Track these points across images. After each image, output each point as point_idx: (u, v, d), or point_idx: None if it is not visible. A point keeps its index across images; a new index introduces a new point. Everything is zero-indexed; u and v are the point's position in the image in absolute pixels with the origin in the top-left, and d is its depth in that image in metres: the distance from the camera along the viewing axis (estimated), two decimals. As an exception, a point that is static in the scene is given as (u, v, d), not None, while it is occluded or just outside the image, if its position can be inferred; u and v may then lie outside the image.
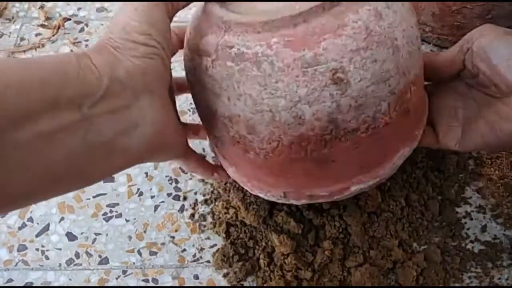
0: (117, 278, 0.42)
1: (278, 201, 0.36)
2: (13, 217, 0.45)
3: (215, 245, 0.44)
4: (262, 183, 0.34)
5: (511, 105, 0.32)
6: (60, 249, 0.44)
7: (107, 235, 0.45)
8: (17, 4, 0.60)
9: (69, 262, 0.43)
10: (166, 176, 0.48)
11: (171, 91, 0.31)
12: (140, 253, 0.44)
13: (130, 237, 0.44)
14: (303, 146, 0.29)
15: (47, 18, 0.59)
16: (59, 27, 0.58)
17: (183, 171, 0.48)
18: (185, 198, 0.47)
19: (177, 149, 0.33)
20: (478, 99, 0.35)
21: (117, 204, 0.46)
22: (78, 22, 0.59)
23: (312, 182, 0.33)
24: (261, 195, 0.36)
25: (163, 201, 0.47)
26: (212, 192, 0.46)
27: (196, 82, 0.31)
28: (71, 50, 0.56)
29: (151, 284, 0.42)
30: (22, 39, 0.58)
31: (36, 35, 0.58)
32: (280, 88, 0.27)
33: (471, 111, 0.36)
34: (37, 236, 0.44)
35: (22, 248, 0.44)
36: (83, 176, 0.27)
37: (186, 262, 0.43)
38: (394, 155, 0.34)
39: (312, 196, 0.34)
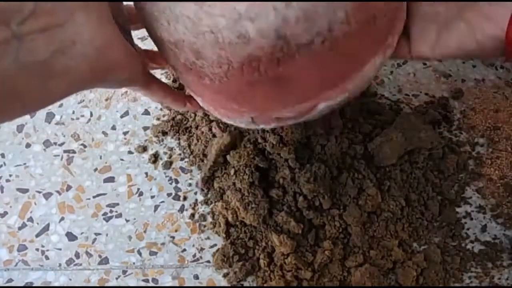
0: (117, 278, 0.42)
1: (249, 128, 0.34)
2: (13, 217, 0.45)
3: (215, 245, 0.44)
4: (228, 110, 0.33)
5: (496, 4, 0.29)
6: (60, 249, 0.44)
7: (107, 235, 0.45)
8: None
9: (69, 262, 0.43)
10: (166, 176, 0.48)
11: (120, 9, 0.29)
12: (140, 253, 0.44)
13: (130, 237, 0.44)
14: (255, 66, 0.27)
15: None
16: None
17: (183, 171, 0.48)
18: (185, 198, 0.47)
19: (127, 71, 0.29)
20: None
21: (117, 204, 0.46)
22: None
23: (276, 103, 0.31)
24: (232, 123, 0.35)
25: (163, 201, 0.47)
26: (212, 192, 0.47)
27: (140, 8, 0.29)
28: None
29: (151, 284, 0.42)
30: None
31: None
32: (217, 5, 0.24)
33: (452, 13, 0.32)
34: (37, 236, 0.44)
35: (22, 248, 0.44)
36: (21, 100, 0.25)
37: (186, 262, 0.43)
38: (363, 67, 0.31)
39: (280, 119, 0.32)
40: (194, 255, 0.44)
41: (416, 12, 0.34)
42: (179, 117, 0.49)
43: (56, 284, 0.42)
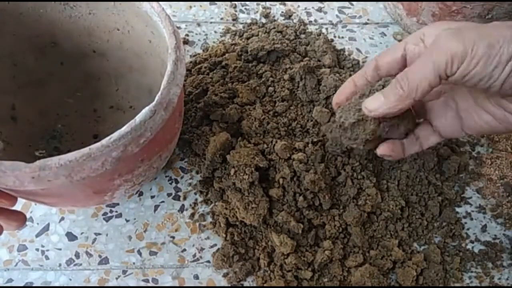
0: (117, 278, 0.42)
1: None
2: (13, 217, 0.45)
3: (215, 245, 0.44)
4: None
5: None
6: (60, 249, 0.44)
7: (107, 235, 0.45)
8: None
9: (69, 262, 0.43)
10: (166, 176, 0.48)
11: None
12: (140, 253, 0.44)
13: (130, 237, 0.44)
14: None
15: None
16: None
17: (183, 171, 0.48)
18: (185, 198, 0.47)
19: None
20: (464, 88, 0.34)
21: (117, 204, 0.46)
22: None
23: None
24: None
25: (163, 201, 0.47)
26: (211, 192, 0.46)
27: None
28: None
29: (151, 284, 0.42)
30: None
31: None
32: None
33: (463, 98, 0.35)
34: (37, 236, 0.44)
35: (22, 248, 0.44)
36: None
37: (186, 262, 0.43)
38: None
39: None
40: (194, 255, 0.44)
41: (433, 107, 0.37)
42: (179, 117, 0.50)
43: (56, 284, 0.42)
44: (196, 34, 0.58)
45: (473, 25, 0.31)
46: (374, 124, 0.34)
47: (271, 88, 0.50)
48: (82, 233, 0.45)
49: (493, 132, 0.35)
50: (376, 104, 0.33)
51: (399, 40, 0.59)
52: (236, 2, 0.62)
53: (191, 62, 0.54)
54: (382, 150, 0.37)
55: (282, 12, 0.61)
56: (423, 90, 0.30)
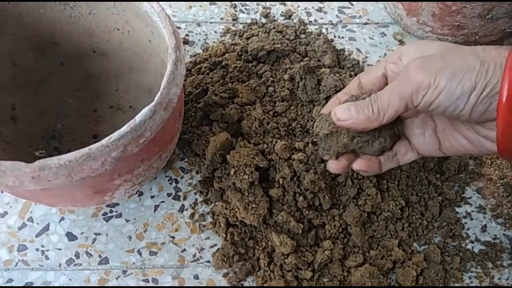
0: (117, 278, 0.42)
1: None
2: (13, 217, 0.45)
3: (215, 245, 0.44)
4: None
5: (487, 127, 0.31)
6: (60, 249, 0.44)
7: (107, 235, 0.45)
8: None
9: (69, 262, 0.43)
10: (166, 176, 0.48)
11: None
12: (140, 253, 0.44)
13: (130, 237, 0.44)
14: None
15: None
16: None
17: (183, 171, 0.48)
18: (185, 198, 0.47)
19: None
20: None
21: (117, 204, 0.46)
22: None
23: None
24: None
25: (163, 201, 0.47)
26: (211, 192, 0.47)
27: None
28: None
29: (151, 284, 0.42)
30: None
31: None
32: None
33: (441, 119, 0.35)
34: (37, 236, 0.44)
35: (22, 248, 0.44)
36: None
37: (186, 262, 0.43)
38: None
39: None
40: (194, 255, 0.44)
41: (412, 125, 0.37)
42: (179, 117, 0.50)
43: (56, 284, 0.42)
44: (196, 34, 0.58)
45: (445, 51, 0.31)
46: (348, 138, 0.34)
47: (271, 88, 0.50)
48: (82, 233, 0.45)
49: (465, 153, 0.35)
50: (345, 115, 0.33)
51: (399, 40, 0.59)
52: (236, 2, 0.62)
53: (191, 62, 0.54)
54: (358, 165, 0.36)
55: (282, 12, 0.61)
56: (389, 115, 0.31)
